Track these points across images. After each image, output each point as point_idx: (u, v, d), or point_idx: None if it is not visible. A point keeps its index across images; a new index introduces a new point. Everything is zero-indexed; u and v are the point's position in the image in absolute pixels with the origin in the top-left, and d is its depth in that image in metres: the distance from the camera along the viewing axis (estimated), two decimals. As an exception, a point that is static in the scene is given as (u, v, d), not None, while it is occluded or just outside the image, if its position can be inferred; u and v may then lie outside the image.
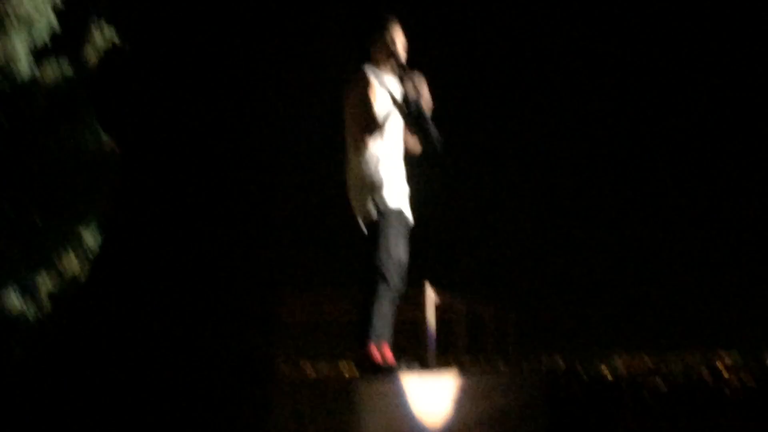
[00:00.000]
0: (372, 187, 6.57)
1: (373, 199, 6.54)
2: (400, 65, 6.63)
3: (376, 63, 6.71)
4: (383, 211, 6.55)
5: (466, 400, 8.28)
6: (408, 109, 6.53)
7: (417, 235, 6.92)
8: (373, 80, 6.57)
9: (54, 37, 6.18)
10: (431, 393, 7.22)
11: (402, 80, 6.59)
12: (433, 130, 6.63)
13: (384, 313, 6.57)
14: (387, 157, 6.60)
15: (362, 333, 6.51)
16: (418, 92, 6.52)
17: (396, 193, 6.62)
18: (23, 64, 6.14)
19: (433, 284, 10.22)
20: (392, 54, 6.64)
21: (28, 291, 5.77)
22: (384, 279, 6.49)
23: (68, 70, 6.24)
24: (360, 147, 6.56)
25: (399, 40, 6.70)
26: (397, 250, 6.59)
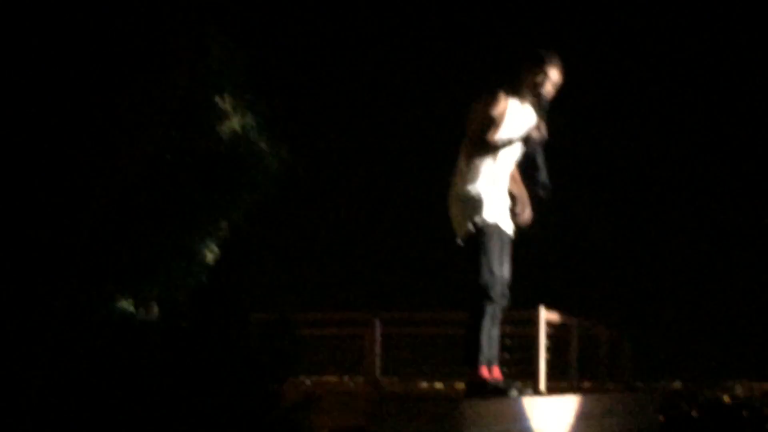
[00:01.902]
0: (470, 203, 6.52)
1: (471, 215, 6.49)
2: (542, 106, 6.53)
3: (519, 92, 6.59)
4: (482, 227, 6.48)
5: (578, 422, 8.13)
6: (528, 148, 6.51)
7: (533, 254, 6.84)
8: (504, 102, 6.50)
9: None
10: (543, 415, 7.09)
11: (536, 120, 6.51)
12: (544, 178, 6.62)
13: (491, 333, 6.50)
14: (491, 176, 6.52)
15: (471, 354, 6.44)
16: (543, 137, 6.47)
17: (494, 208, 6.55)
18: None
19: (548, 304, 10.07)
20: (538, 92, 6.53)
21: (138, 297, 5.83)
22: (489, 297, 6.42)
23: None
24: (468, 161, 6.52)
25: (553, 81, 6.55)
26: (498, 266, 6.52)
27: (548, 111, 6.57)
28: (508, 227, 6.69)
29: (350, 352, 12.38)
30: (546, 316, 9.95)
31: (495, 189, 6.57)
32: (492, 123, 6.49)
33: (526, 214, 6.83)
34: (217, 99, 6.21)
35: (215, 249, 6.10)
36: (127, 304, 5.74)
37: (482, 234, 6.48)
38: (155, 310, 5.84)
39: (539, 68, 6.57)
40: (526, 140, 6.51)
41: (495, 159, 6.55)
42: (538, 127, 6.49)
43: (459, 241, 6.58)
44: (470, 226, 6.49)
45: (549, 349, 10.04)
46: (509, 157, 6.62)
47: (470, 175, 6.53)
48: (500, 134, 6.51)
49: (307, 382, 11.52)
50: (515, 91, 6.61)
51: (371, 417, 5.75)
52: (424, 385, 12.12)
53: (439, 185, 6.92)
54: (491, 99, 6.55)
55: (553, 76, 6.58)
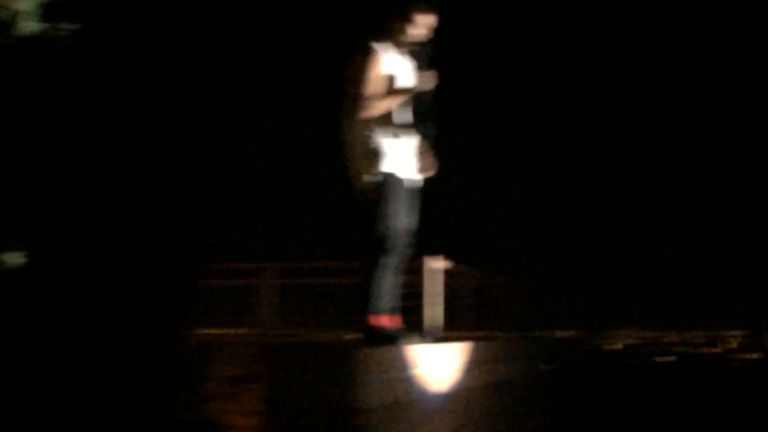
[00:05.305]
0: (369, 156, 6.51)
1: (369, 168, 6.49)
2: (421, 54, 6.53)
3: (394, 41, 6.57)
4: (381, 179, 6.49)
5: (471, 368, 8.28)
6: (418, 98, 6.52)
7: (431, 207, 6.88)
8: (379, 54, 6.47)
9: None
10: (437, 361, 7.21)
11: (418, 67, 6.52)
12: (432, 128, 6.66)
13: (391, 282, 6.54)
14: (383, 125, 6.52)
15: (368, 302, 6.48)
16: (432, 85, 6.49)
17: (394, 159, 6.55)
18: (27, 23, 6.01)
19: (446, 254, 10.19)
20: (412, 42, 6.53)
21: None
22: (387, 249, 6.45)
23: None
24: (355, 116, 6.49)
25: (426, 26, 6.54)
26: (397, 217, 6.53)
27: (431, 56, 6.57)
28: (413, 177, 6.71)
29: (247, 303, 12.39)
30: (431, 264, 10.03)
31: (395, 140, 6.56)
32: (365, 74, 6.43)
33: (428, 163, 6.86)
34: None
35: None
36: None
37: (381, 185, 6.48)
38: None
39: (406, 18, 6.55)
40: (415, 91, 6.51)
41: (388, 112, 6.54)
42: (424, 76, 6.51)
43: (358, 192, 6.58)
44: (369, 178, 6.49)
45: (446, 298, 10.19)
46: (403, 107, 6.62)
47: (366, 129, 6.51)
48: (376, 83, 6.47)
49: (204, 332, 11.52)
50: (389, 42, 6.57)
51: (267, 365, 5.78)
52: (322, 335, 12.20)
53: (331, 138, 6.85)
54: (369, 56, 6.49)
55: (423, 21, 6.57)
